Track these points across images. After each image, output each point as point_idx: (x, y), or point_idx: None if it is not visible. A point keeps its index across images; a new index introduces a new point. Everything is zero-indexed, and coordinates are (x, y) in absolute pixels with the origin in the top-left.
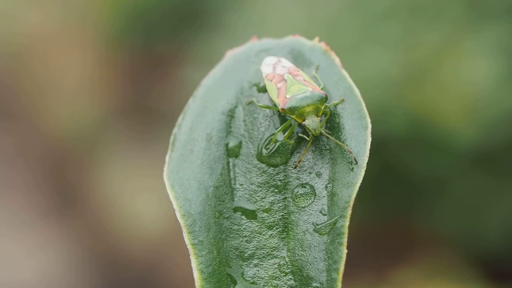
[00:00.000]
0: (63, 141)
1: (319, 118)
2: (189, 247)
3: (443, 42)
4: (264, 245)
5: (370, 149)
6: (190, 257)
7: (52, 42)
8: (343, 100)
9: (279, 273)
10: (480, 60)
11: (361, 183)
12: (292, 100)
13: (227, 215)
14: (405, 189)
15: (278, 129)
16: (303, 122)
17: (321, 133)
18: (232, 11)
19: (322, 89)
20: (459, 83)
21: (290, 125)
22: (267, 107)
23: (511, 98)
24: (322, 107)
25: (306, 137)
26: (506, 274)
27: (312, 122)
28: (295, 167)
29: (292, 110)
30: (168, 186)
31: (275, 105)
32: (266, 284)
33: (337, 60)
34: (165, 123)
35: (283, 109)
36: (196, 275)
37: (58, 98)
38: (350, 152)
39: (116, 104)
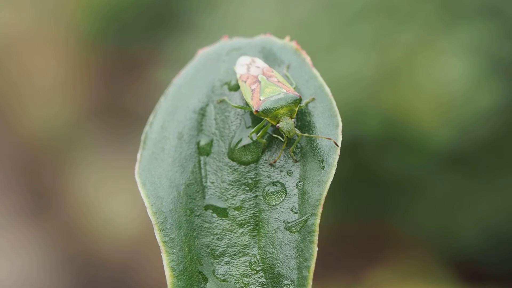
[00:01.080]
0: (37, 142)
1: (293, 119)
2: (161, 244)
3: (417, 42)
4: (235, 242)
5: (342, 149)
6: (162, 254)
7: (26, 42)
8: (314, 99)
9: (250, 270)
10: (454, 60)
11: (335, 184)
12: (266, 103)
13: (198, 213)
14: (380, 190)
15: (252, 130)
16: (277, 125)
17: (295, 134)
18: (205, 12)
19: (294, 88)
20: (433, 83)
21: (264, 125)
22: (241, 107)
23: (484, 98)
24: (296, 109)
25: (280, 138)
26: (479, 275)
27: (286, 124)
28: (271, 164)
29: (266, 112)
30: (139, 184)
31: (247, 105)
32: (237, 281)
33: (308, 59)
34: (139, 124)
35: (257, 111)
36: (168, 272)
37: (32, 99)
38: (329, 139)
39: (90, 105)
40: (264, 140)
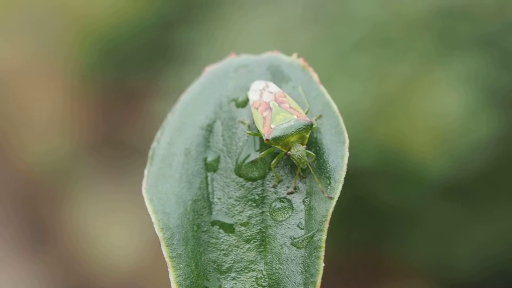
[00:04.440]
0: (35, 175)
1: (304, 146)
2: (167, 260)
3: (413, 74)
4: (242, 258)
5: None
6: (168, 270)
7: (24, 76)
8: (321, 116)
9: (257, 286)
10: (450, 92)
11: (332, 214)
12: (276, 130)
13: (205, 228)
14: (376, 221)
15: (262, 154)
16: (289, 152)
17: (306, 162)
18: (202, 44)
19: (307, 112)
20: (429, 114)
21: (276, 152)
22: (255, 134)
23: (480, 129)
24: (307, 135)
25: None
26: None
27: (297, 152)
28: (289, 194)
29: (276, 140)
30: (146, 199)
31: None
32: None
33: (315, 76)
34: (137, 157)
35: (267, 139)
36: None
37: (30, 132)
38: (330, 197)
39: (88, 138)
40: (278, 174)
